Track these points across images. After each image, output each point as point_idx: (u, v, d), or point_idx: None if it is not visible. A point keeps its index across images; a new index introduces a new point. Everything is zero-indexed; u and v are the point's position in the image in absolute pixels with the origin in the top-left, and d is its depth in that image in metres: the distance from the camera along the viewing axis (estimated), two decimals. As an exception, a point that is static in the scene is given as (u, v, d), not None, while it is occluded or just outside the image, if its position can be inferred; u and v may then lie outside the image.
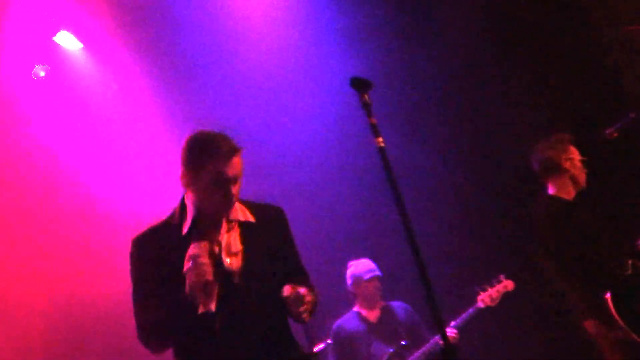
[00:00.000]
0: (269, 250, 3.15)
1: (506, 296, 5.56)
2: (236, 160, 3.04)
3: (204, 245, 2.97)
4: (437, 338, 5.49)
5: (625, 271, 4.39)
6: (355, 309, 5.91)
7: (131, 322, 3.10)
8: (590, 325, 4.46)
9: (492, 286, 5.55)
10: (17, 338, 6.19)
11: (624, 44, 5.91)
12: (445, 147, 6.78)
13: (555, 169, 4.65)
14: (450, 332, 5.45)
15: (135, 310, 3.08)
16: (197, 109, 6.86)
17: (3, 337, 6.11)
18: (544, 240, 4.52)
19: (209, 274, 2.92)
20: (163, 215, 3.25)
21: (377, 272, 5.83)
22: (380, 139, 2.95)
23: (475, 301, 5.54)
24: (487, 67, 6.54)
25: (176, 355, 3.13)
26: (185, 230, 3.10)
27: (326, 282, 6.46)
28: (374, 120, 2.97)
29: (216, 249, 3.05)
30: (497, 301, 5.54)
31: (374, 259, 5.91)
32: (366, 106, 2.97)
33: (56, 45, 6.48)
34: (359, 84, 2.98)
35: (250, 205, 3.22)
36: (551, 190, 4.69)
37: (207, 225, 3.11)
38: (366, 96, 2.97)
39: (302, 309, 2.98)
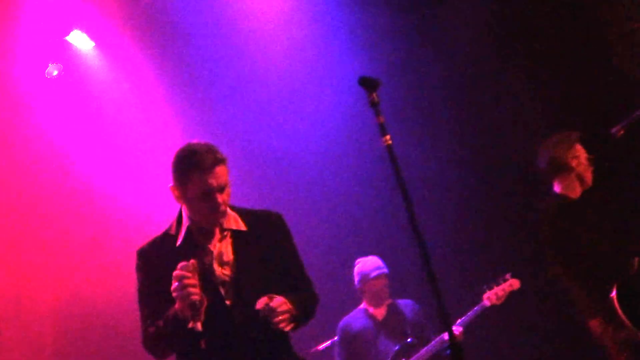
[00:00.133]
0: (262, 258, 3.18)
1: (512, 295, 5.58)
2: (220, 170, 3.11)
3: (192, 263, 2.98)
4: (443, 335, 5.53)
5: (631, 270, 4.39)
6: (362, 306, 5.92)
7: (137, 323, 3.22)
8: (595, 325, 4.45)
9: (498, 284, 5.55)
10: (28, 337, 6.24)
11: (630, 42, 5.90)
12: (452, 146, 6.78)
13: (561, 168, 4.63)
14: (455, 329, 5.47)
15: (140, 319, 3.18)
16: (207, 107, 6.90)
17: (15, 336, 6.16)
18: (550, 239, 4.51)
19: (195, 293, 2.94)
20: (172, 217, 3.31)
21: (385, 270, 5.84)
22: (388, 137, 2.98)
23: (481, 299, 5.56)
24: (494, 66, 6.53)
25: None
26: (179, 241, 3.18)
27: (334, 279, 6.53)
28: (382, 119, 3.00)
29: (208, 259, 3.13)
30: (503, 300, 5.54)
31: (382, 257, 5.93)
32: (374, 105, 3.01)
33: (69, 44, 6.52)
34: (367, 83, 3.01)
35: (244, 213, 3.28)
36: (557, 188, 4.69)
37: (200, 236, 3.19)
38: (374, 95, 3.00)
39: (276, 320, 3.01)
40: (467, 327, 5.53)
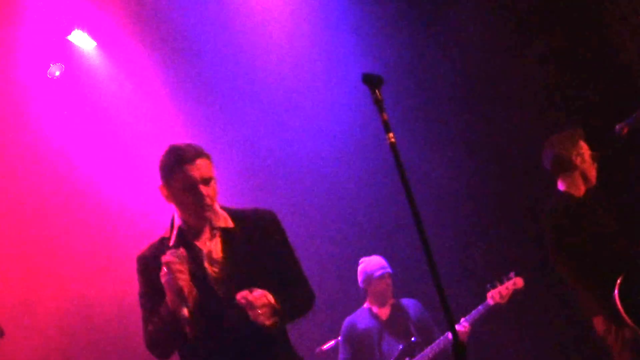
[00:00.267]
0: (252, 255, 3.23)
1: (516, 293, 5.57)
2: (202, 162, 3.19)
3: (181, 251, 3.08)
4: (447, 335, 5.52)
5: (635, 268, 4.39)
6: (366, 305, 5.92)
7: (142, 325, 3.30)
8: (599, 323, 4.46)
9: (502, 283, 5.56)
10: (34, 340, 6.25)
11: (637, 39, 5.89)
12: (457, 144, 6.77)
13: (565, 166, 4.63)
14: (463, 326, 5.47)
15: (142, 321, 3.25)
16: (211, 105, 6.90)
17: (23, 336, 6.17)
18: (554, 237, 4.51)
19: (183, 280, 3.03)
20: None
21: (388, 269, 5.84)
22: (392, 135, 2.96)
23: (485, 298, 5.56)
24: (500, 63, 6.52)
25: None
26: (172, 242, 3.24)
27: (337, 279, 6.52)
28: (386, 116, 2.98)
29: (199, 258, 3.19)
30: (507, 298, 5.54)
31: (385, 256, 5.92)
32: (378, 102, 2.99)
33: (70, 44, 6.52)
34: (371, 80, 3.00)
35: (234, 213, 3.33)
36: (561, 186, 4.68)
37: (191, 235, 3.25)
38: (378, 92, 2.99)
39: (254, 313, 3.03)
40: (472, 326, 5.53)
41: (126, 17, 6.54)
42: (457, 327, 5.35)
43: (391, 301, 5.88)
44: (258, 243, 3.27)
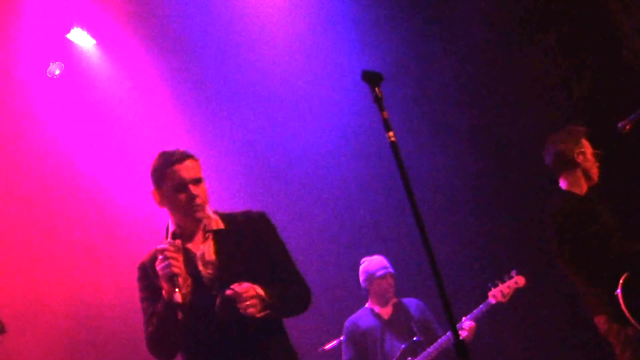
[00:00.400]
0: (244, 255, 3.33)
1: (517, 292, 5.56)
2: (190, 163, 3.32)
3: (177, 242, 3.21)
4: (449, 334, 5.50)
5: (638, 266, 4.37)
6: (368, 305, 5.91)
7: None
8: (601, 321, 4.44)
9: (503, 282, 5.56)
10: (39, 339, 6.26)
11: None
12: (459, 142, 6.76)
13: (567, 163, 4.61)
14: (468, 324, 5.47)
15: (143, 325, 3.35)
16: (210, 103, 6.88)
17: (30, 336, 6.21)
18: (556, 235, 4.49)
19: (177, 267, 3.14)
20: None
21: (390, 269, 5.83)
22: (392, 133, 2.95)
23: (487, 297, 5.55)
24: (503, 60, 6.51)
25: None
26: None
27: (339, 278, 6.51)
28: (386, 114, 2.96)
29: (192, 260, 3.29)
30: (508, 297, 5.54)
31: (387, 256, 5.91)
32: (378, 100, 2.98)
33: (70, 42, 6.51)
34: (371, 78, 2.98)
35: (224, 215, 3.43)
36: (563, 184, 4.66)
37: (185, 239, 3.33)
38: (378, 90, 2.97)
39: (242, 305, 3.13)
40: (477, 323, 5.53)
41: (125, 15, 6.53)
42: (461, 330, 5.36)
43: (393, 301, 5.88)
44: (249, 242, 3.35)
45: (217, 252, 3.31)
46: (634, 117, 4.35)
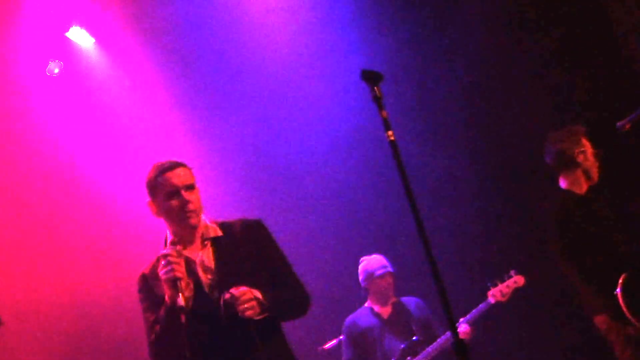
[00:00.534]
0: (243, 261, 3.40)
1: (517, 292, 5.55)
2: (181, 170, 3.41)
3: (178, 247, 3.28)
4: (449, 333, 5.49)
5: (637, 266, 4.36)
6: (368, 304, 5.90)
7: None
8: (601, 321, 4.45)
9: (502, 281, 5.55)
10: (41, 337, 6.27)
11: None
12: (458, 141, 6.76)
13: (567, 163, 4.62)
14: (464, 327, 5.46)
15: (145, 335, 3.40)
16: (209, 101, 6.87)
17: (28, 333, 6.21)
18: (556, 235, 4.50)
19: (179, 271, 3.20)
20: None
21: (389, 268, 5.83)
22: (391, 133, 2.94)
23: (486, 296, 5.54)
24: (502, 59, 6.50)
25: None
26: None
27: (339, 277, 6.50)
28: (385, 114, 2.96)
29: (192, 267, 3.34)
30: (508, 297, 5.53)
31: (386, 255, 5.90)
32: (377, 99, 2.97)
33: (69, 41, 6.50)
34: (370, 77, 2.98)
35: (221, 223, 3.51)
36: (563, 184, 4.67)
37: (184, 247, 3.38)
38: (377, 89, 2.96)
39: (240, 308, 3.20)
40: (472, 325, 5.52)
41: (125, 14, 6.52)
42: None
43: (393, 300, 5.87)
44: (247, 249, 3.42)
45: (216, 258, 3.39)
46: (633, 117, 4.35)
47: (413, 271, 5.99)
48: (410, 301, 5.91)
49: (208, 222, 3.47)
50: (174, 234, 3.40)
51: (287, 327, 3.52)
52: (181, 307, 3.15)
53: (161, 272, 3.21)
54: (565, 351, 6.27)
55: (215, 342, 3.29)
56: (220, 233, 3.45)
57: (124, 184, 6.53)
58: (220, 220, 3.53)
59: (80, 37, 6.49)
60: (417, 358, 5.58)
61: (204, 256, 3.39)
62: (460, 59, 6.69)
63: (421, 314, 5.84)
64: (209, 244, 3.42)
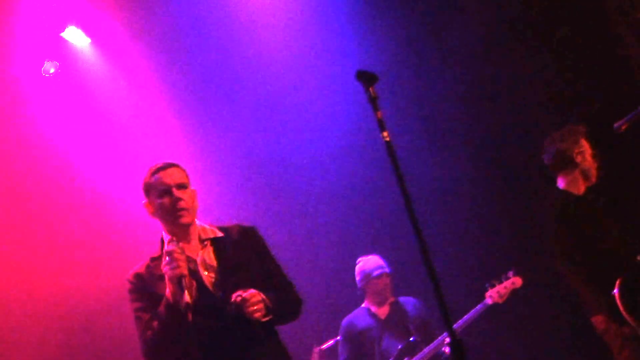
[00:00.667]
0: (243, 261, 3.47)
1: (514, 293, 5.54)
2: (173, 170, 3.49)
3: (181, 244, 3.32)
4: (445, 334, 5.48)
5: (635, 267, 4.35)
6: (365, 305, 5.90)
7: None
8: (599, 321, 4.44)
9: (500, 282, 5.54)
10: (34, 330, 6.25)
11: (638, 33, 5.85)
12: (455, 141, 6.75)
13: (566, 163, 4.61)
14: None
15: (138, 335, 3.41)
16: (207, 102, 6.87)
17: (22, 329, 6.20)
18: (554, 235, 4.49)
19: (184, 268, 3.25)
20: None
21: (386, 269, 5.83)
22: (386, 133, 2.93)
23: (484, 297, 5.53)
24: (500, 60, 6.49)
25: None
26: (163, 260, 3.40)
27: (335, 278, 6.49)
28: (380, 114, 2.95)
29: (193, 266, 3.38)
30: (505, 298, 5.52)
31: (383, 255, 5.90)
32: (372, 100, 2.96)
33: (64, 41, 6.49)
34: (365, 77, 2.97)
35: (219, 227, 3.58)
36: (561, 184, 4.66)
37: (181, 246, 3.40)
38: (372, 90, 2.95)
39: (249, 309, 3.26)
40: (470, 326, 5.51)
41: (121, 14, 6.51)
42: (445, 346, 5.36)
43: (390, 300, 5.87)
44: (246, 251, 3.51)
45: (218, 257, 3.45)
46: (630, 117, 4.34)
47: (411, 272, 6.00)
48: (408, 301, 5.91)
49: (206, 225, 3.54)
50: (170, 233, 3.45)
51: (285, 327, 3.55)
52: (188, 304, 3.21)
53: (166, 269, 3.24)
54: (562, 352, 6.27)
55: (217, 340, 3.32)
56: (220, 234, 3.51)
57: (120, 184, 6.54)
58: (218, 224, 3.60)
59: (76, 37, 6.49)
60: (414, 358, 5.57)
61: (205, 255, 3.45)
62: (457, 59, 6.68)
63: (419, 314, 5.84)
64: (209, 244, 3.48)
